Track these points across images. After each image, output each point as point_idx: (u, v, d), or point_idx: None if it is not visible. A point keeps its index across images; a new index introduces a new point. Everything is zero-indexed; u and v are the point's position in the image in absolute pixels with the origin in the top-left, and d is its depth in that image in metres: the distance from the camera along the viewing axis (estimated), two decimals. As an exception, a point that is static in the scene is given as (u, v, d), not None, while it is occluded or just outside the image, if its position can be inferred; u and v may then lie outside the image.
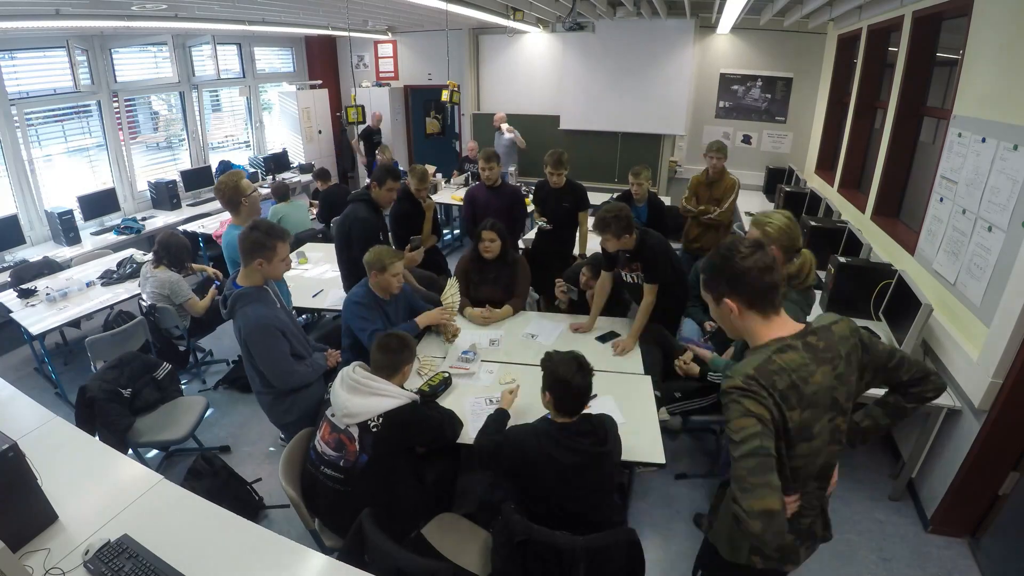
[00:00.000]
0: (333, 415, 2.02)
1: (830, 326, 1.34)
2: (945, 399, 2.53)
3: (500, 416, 2.16)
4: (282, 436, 2.97)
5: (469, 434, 2.17)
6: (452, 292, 3.08)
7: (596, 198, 6.10)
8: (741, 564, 1.50)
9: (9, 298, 3.74)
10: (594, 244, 4.47)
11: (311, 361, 2.42)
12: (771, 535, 1.15)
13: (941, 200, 2.94)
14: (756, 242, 1.32)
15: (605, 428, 1.90)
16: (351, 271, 3.18)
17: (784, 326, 1.32)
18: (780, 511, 1.16)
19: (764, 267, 1.28)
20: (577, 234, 4.05)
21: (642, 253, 2.87)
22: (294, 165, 7.57)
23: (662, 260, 2.91)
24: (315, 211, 5.66)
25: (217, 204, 6.03)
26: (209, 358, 4.16)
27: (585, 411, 1.93)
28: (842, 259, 3.26)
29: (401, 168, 6.94)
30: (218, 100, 7.02)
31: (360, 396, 1.97)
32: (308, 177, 7.05)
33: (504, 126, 6.95)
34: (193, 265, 4.06)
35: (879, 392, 1.55)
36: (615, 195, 5.97)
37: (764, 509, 1.14)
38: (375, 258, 2.66)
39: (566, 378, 1.83)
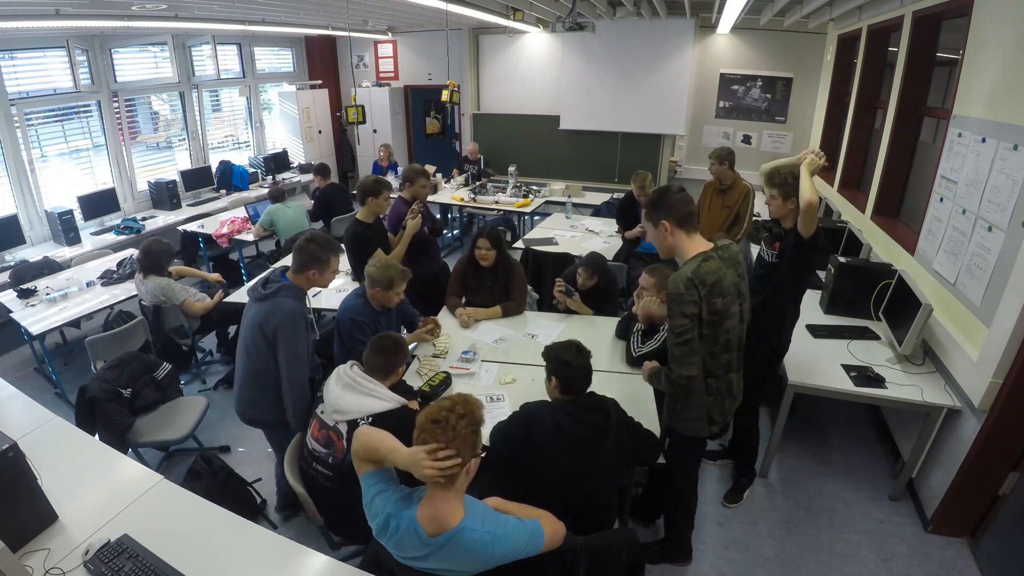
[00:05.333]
0: (323, 412, 2.03)
1: (728, 245, 1.96)
2: (945, 399, 2.54)
3: None
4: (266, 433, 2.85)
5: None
6: (445, 342, 2.98)
7: (596, 198, 6.14)
8: (699, 437, 2.10)
9: (9, 298, 3.74)
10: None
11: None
12: (685, 390, 1.94)
13: (941, 200, 2.94)
14: (680, 187, 1.95)
15: (608, 405, 1.99)
16: None
17: (702, 243, 1.90)
18: (698, 375, 1.90)
19: (687, 200, 1.91)
20: None
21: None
22: (294, 165, 7.57)
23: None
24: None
25: (217, 204, 6.06)
26: (209, 358, 4.17)
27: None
28: (842, 259, 3.26)
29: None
30: (218, 100, 7.02)
31: (353, 394, 1.98)
32: (309, 177, 7.05)
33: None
34: (187, 269, 4.06)
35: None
36: (615, 195, 6.00)
37: (688, 375, 1.89)
38: (383, 276, 2.63)
39: (568, 360, 1.95)
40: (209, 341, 4.19)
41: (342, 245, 2.43)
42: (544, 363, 2.03)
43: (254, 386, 2.34)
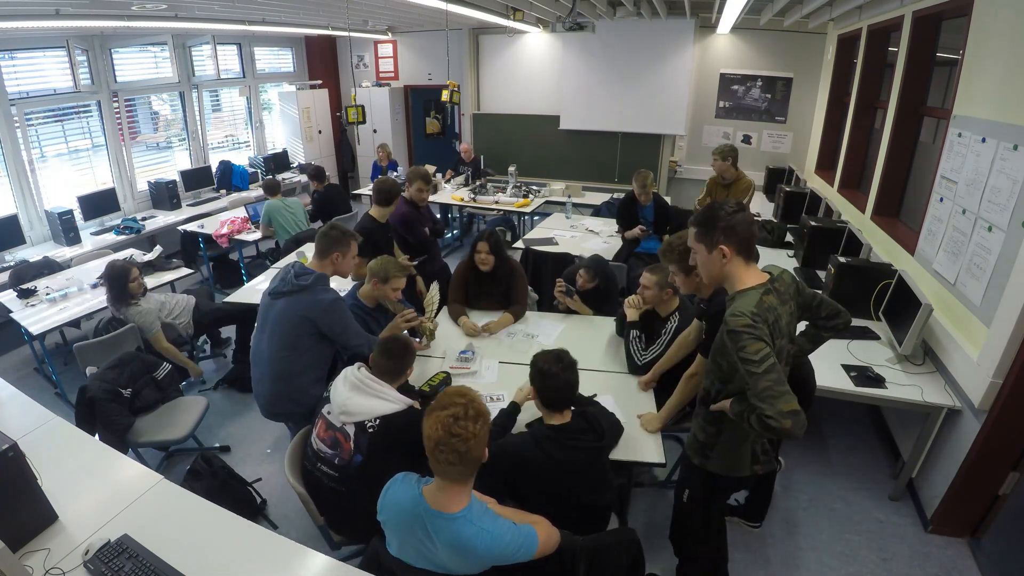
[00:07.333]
0: (329, 412, 2.02)
1: (780, 275, 1.69)
2: (945, 399, 2.54)
3: (511, 410, 2.18)
4: (290, 425, 2.83)
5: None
6: (433, 295, 2.99)
7: (596, 198, 6.14)
8: (739, 476, 1.84)
9: (9, 298, 3.74)
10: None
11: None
12: (799, 428, 1.43)
13: (941, 200, 2.94)
14: (738, 203, 1.63)
15: (600, 422, 1.93)
16: None
17: (759, 275, 1.64)
18: (801, 410, 1.44)
19: (749, 222, 1.60)
20: None
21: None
22: (294, 165, 7.57)
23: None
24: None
25: (217, 204, 6.06)
26: (209, 358, 4.16)
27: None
28: (842, 259, 3.26)
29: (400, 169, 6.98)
30: (218, 100, 7.02)
31: (362, 396, 1.97)
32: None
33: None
34: (172, 350, 3.41)
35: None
36: (615, 195, 6.00)
37: (792, 409, 1.42)
38: (380, 268, 2.64)
39: (543, 369, 1.88)
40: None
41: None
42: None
43: (296, 379, 2.37)
